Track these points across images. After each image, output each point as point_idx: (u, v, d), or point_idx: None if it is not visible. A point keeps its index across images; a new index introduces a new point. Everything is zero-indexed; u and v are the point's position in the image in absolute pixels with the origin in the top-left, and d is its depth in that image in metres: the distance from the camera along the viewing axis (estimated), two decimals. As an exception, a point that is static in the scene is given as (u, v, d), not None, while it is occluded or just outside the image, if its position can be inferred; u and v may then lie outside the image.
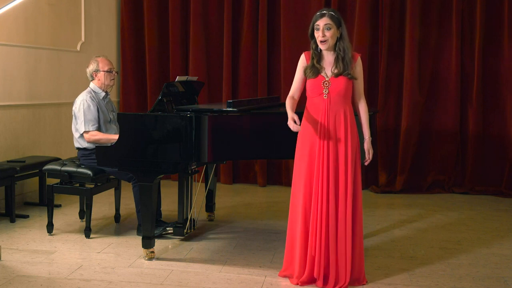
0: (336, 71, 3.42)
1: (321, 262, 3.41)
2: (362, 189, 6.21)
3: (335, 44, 3.43)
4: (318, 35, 3.40)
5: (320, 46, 3.42)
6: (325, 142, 3.41)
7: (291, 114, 3.36)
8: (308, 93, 3.51)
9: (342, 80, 3.42)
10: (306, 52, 3.53)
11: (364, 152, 3.58)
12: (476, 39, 6.15)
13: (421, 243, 4.42)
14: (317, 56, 3.46)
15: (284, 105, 4.84)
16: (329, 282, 3.42)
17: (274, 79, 6.63)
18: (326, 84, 3.43)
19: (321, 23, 3.39)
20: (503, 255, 4.16)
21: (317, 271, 3.42)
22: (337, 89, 3.42)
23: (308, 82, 3.48)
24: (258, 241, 4.42)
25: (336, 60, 3.43)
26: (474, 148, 6.26)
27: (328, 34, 3.38)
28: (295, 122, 3.32)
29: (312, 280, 3.46)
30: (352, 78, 3.44)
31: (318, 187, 3.41)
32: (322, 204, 3.40)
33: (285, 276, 3.58)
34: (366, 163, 3.60)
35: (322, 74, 3.44)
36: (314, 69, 3.44)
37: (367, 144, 3.57)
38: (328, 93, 3.42)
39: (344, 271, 3.42)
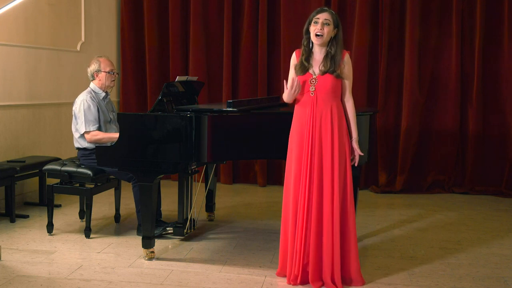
0: (323, 68, 3.42)
1: (302, 258, 3.40)
2: (361, 189, 6.31)
3: (328, 43, 3.44)
4: (315, 28, 3.40)
5: (314, 39, 3.42)
6: (311, 139, 3.41)
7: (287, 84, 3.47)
8: None
9: (328, 78, 3.42)
10: (297, 50, 3.54)
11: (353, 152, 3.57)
12: (476, 39, 6.14)
13: (421, 243, 4.42)
14: (307, 53, 3.47)
15: (284, 105, 4.88)
16: (315, 280, 3.41)
17: (274, 79, 6.63)
18: (313, 81, 3.43)
19: (321, 17, 3.40)
20: (503, 255, 4.16)
21: (298, 267, 3.41)
22: (324, 87, 3.42)
23: (298, 79, 3.48)
24: (258, 241, 4.42)
25: (325, 58, 3.44)
26: (474, 148, 6.26)
27: (325, 29, 3.39)
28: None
29: (304, 279, 3.45)
30: (338, 77, 3.44)
31: (305, 186, 3.40)
32: (308, 202, 3.39)
33: (282, 276, 3.58)
34: (355, 164, 3.55)
35: (310, 71, 3.45)
36: (303, 66, 3.45)
37: (354, 144, 3.53)
38: (315, 90, 3.43)
39: (329, 270, 3.39)
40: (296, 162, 3.45)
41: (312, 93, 3.43)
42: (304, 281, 3.44)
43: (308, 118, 3.42)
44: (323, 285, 3.42)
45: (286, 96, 3.48)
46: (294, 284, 3.44)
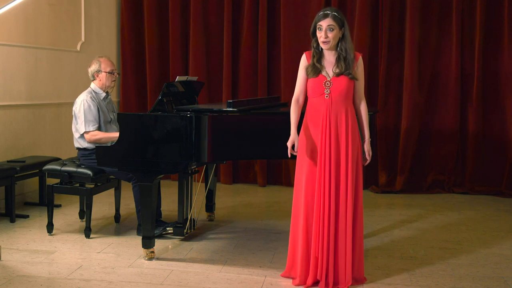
0: (337, 70, 3.41)
1: (323, 263, 3.40)
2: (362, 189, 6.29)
3: (337, 44, 3.43)
4: (320, 35, 3.39)
5: (322, 45, 3.41)
6: (327, 142, 3.39)
7: (292, 136, 3.47)
8: (309, 93, 3.49)
9: (343, 80, 3.41)
10: (307, 52, 3.53)
11: (364, 153, 3.58)
12: (476, 39, 6.14)
13: (421, 243, 4.42)
14: (318, 55, 3.45)
15: (284, 105, 4.88)
16: (328, 284, 3.41)
17: (274, 79, 6.63)
18: (327, 84, 3.42)
19: (324, 24, 3.37)
20: (503, 255, 4.16)
21: (320, 272, 3.41)
22: (339, 89, 3.41)
23: (309, 81, 3.46)
24: (258, 241, 4.42)
25: (338, 59, 3.42)
26: (474, 148, 6.25)
27: (330, 35, 3.37)
28: (293, 147, 3.46)
29: (316, 282, 3.45)
30: (353, 78, 3.43)
31: (320, 188, 3.40)
32: (324, 204, 3.39)
33: (288, 277, 3.57)
34: (365, 164, 3.58)
35: (323, 73, 3.43)
36: (315, 68, 3.43)
37: (366, 146, 3.55)
38: (330, 93, 3.41)
39: (343, 272, 3.41)
40: (310, 165, 3.44)
41: (327, 96, 3.41)
42: (316, 284, 3.45)
43: (323, 121, 3.40)
44: (337, 285, 3.43)
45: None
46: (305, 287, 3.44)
